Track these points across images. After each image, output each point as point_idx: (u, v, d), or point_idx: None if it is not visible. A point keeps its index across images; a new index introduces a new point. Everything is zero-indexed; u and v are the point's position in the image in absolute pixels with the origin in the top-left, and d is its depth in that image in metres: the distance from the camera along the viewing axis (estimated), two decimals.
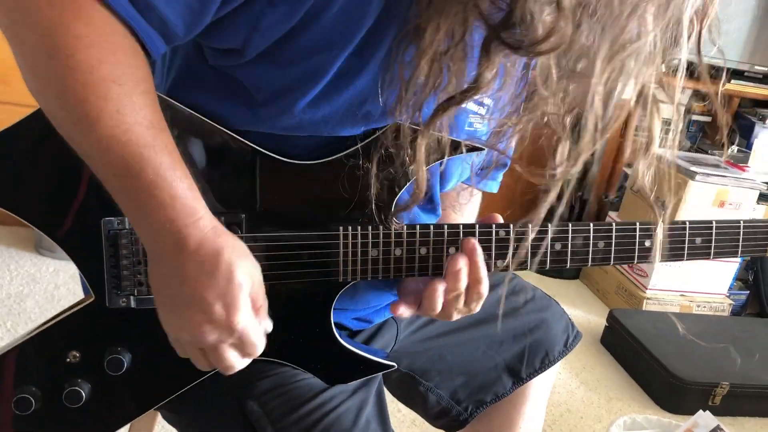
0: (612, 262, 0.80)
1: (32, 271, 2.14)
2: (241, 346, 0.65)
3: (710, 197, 2.47)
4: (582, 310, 2.59)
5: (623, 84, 0.62)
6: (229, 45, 0.68)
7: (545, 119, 0.68)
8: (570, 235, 0.78)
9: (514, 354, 0.99)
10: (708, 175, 2.40)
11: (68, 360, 0.75)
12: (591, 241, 0.78)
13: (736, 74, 2.84)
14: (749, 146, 2.94)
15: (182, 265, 0.61)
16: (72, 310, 0.76)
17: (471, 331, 0.99)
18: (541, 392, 1.03)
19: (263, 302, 0.66)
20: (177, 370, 0.77)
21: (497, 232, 0.76)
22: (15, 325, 1.86)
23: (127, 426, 1.14)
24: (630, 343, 2.19)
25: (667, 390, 2.03)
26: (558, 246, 0.78)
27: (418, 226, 0.75)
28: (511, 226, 0.76)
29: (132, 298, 0.74)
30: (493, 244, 0.76)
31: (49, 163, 0.72)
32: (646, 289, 2.52)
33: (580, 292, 2.77)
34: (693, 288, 2.57)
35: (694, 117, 3.12)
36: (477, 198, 0.99)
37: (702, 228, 0.81)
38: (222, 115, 0.72)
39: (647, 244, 0.79)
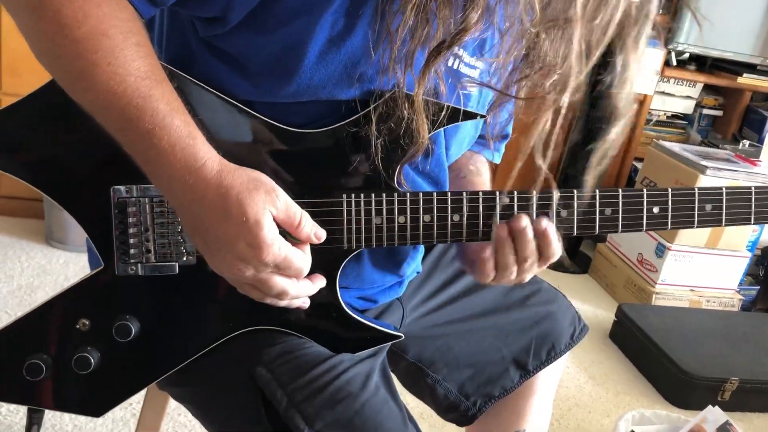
0: (620, 229, 0.78)
1: (43, 263, 2.16)
2: (284, 272, 0.67)
3: None
4: (591, 305, 2.58)
5: (609, 6, 0.65)
6: (211, 13, 0.69)
7: (542, 63, 0.70)
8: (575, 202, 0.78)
9: (521, 346, 0.99)
10: (719, 169, 2.38)
11: (78, 327, 0.77)
12: (597, 208, 0.77)
13: (748, 68, 2.82)
14: (761, 140, 2.92)
15: (199, 212, 0.64)
16: (82, 279, 0.77)
17: (478, 321, 0.99)
18: (548, 386, 1.03)
19: (300, 218, 0.67)
20: (185, 338, 0.78)
21: (501, 199, 0.76)
22: None
23: (137, 414, 1.15)
24: (639, 338, 2.19)
25: (676, 385, 2.02)
26: (564, 213, 0.78)
27: (420, 193, 0.75)
28: (515, 193, 0.76)
29: (140, 265, 0.76)
30: (497, 211, 0.76)
31: (59, 133, 0.74)
32: (656, 283, 2.51)
33: (588, 286, 2.76)
34: (703, 283, 2.56)
35: (705, 111, 3.11)
36: (486, 166, 0.99)
37: (712, 195, 0.79)
38: (223, 86, 0.73)
39: (656, 210, 0.78)
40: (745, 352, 2.16)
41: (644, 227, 0.79)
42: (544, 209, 0.77)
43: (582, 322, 1.03)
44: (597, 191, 0.77)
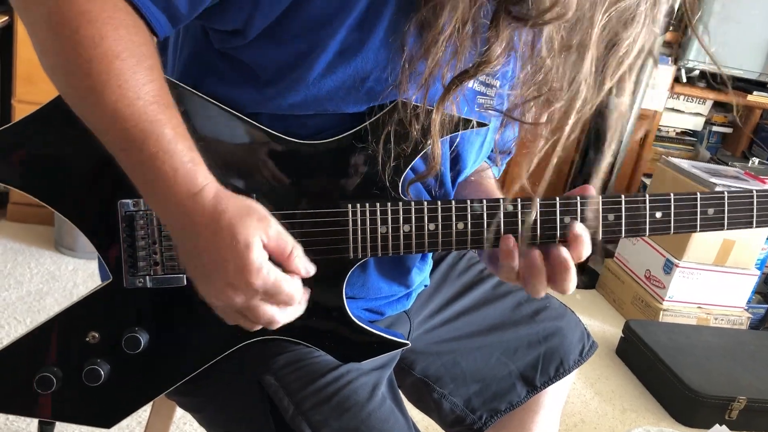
0: (623, 234, 0.78)
1: (52, 269, 2.17)
2: (274, 298, 0.66)
3: None
4: (598, 320, 2.58)
5: (621, 44, 0.67)
6: (231, 26, 0.70)
7: (549, 87, 0.71)
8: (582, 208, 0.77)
9: (529, 362, 0.98)
10: (728, 186, 2.38)
11: (87, 340, 0.77)
12: (600, 214, 0.77)
13: (758, 85, 2.82)
14: None
15: (194, 236, 0.64)
16: (91, 292, 0.78)
17: (485, 337, 0.99)
18: (555, 401, 1.03)
19: (291, 250, 0.66)
20: (194, 349, 0.79)
21: (505, 207, 0.76)
22: (34, 321, 1.87)
23: (144, 423, 1.15)
24: (646, 355, 2.18)
25: (683, 403, 2.01)
26: (567, 219, 0.77)
27: (425, 202, 0.76)
28: (519, 200, 0.76)
29: (148, 278, 0.76)
30: (501, 219, 0.76)
31: (67, 148, 0.75)
32: (663, 300, 2.50)
33: (596, 302, 2.75)
34: (711, 300, 2.55)
35: (714, 128, 3.10)
36: (490, 172, 0.99)
37: (714, 199, 0.79)
38: (231, 99, 0.74)
39: (658, 215, 0.78)
40: (753, 371, 2.14)
41: (647, 232, 0.79)
42: (547, 215, 0.77)
43: (591, 338, 1.03)
44: (600, 198, 0.77)
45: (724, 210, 0.79)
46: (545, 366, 0.98)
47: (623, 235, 0.78)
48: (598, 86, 0.68)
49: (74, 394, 0.78)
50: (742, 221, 0.80)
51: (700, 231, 0.80)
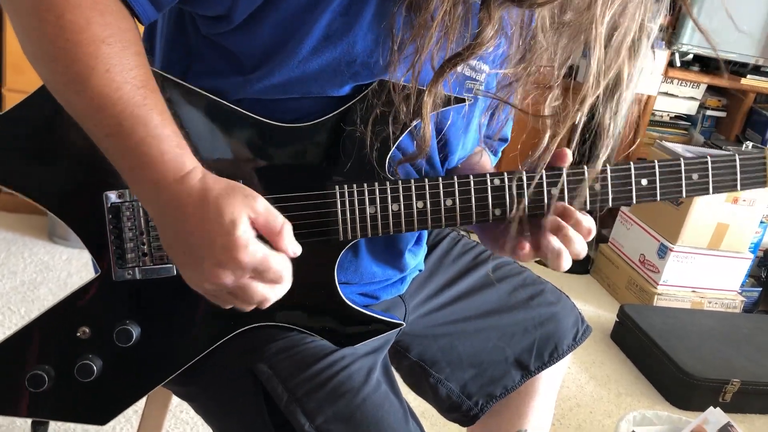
0: (611, 203, 0.79)
1: (45, 259, 2.16)
2: (262, 276, 0.65)
3: (723, 194, 2.45)
4: (592, 305, 2.58)
5: (622, 27, 0.66)
6: (216, 11, 0.69)
7: (542, 70, 0.71)
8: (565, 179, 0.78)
9: (524, 347, 0.99)
10: None
11: (78, 335, 0.77)
12: (586, 184, 0.78)
13: (753, 70, 2.81)
14: (764, 142, 2.92)
15: (182, 218, 0.63)
16: (80, 287, 0.77)
17: (482, 321, 0.99)
18: (550, 386, 1.03)
19: (281, 227, 0.66)
20: (187, 340, 0.78)
21: (492, 180, 0.77)
22: (29, 312, 1.87)
23: (140, 414, 1.15)
24: (640, 339, 2.19)
25: (678, 386, 2.02)
26: (555, 192, 0.78)
27: (412, 180, 0.76)
28: (505, 174, 0.77)
29: (137, 269, 0.76)
30: (489, 194, 0.77)
31: (50, 141, 0.74)
32: (657, 284, 2.51)
33: (590, 286, 2.76)
34: (704, 284, 2.56)
35: (708, 112, 3.10)
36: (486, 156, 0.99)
37: (697, 164, 0.80)
38: (215, 87, 0.73)
39: (644, 183, 0.79)
40: (747, 353, 2.16)
41: (634, 199, 0.80)
42: (537, 188, 0.77)
43: (585, 323, 1.03)
44: (585, 168, 0.78)
45: (708, 174, 0.80)
46: (540, 351, 0.98)
47: (610, 204, 0.79)
48: (604, 74, 0.67)
49: (67, 391, 0.77)
50: (726, 185, 0.81)
51: (686, 196, 0.81)
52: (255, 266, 0.64)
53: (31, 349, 0.76)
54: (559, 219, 0.76)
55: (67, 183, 0.75)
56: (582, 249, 0.76)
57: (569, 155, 0.77)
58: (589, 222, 0.77)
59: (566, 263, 0.75)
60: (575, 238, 0.75)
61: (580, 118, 0.69)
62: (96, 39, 0.60)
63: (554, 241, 0.75)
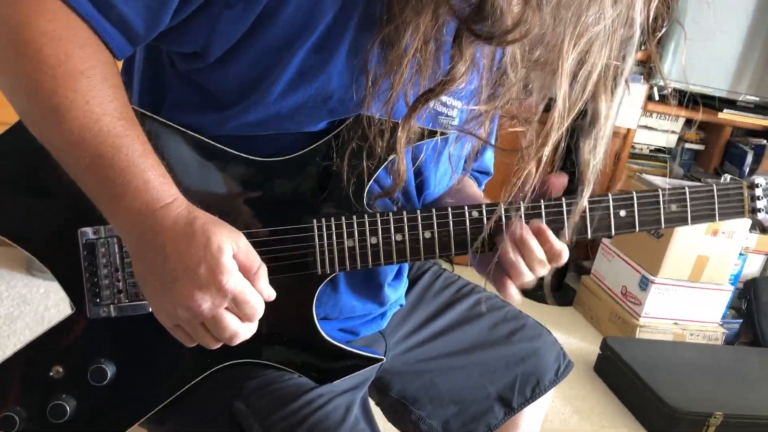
0: (589, 235, 0.79)
1: (23, 292, 2.12)
2: (239, 308, 0.64)
3: (703, 226, 2.47)
4: (575, 338, 2.58)
5: (588, 64, 0.67)
6: (191, 48, 0.69)
7: (512, 105, 0.72)
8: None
9: (506, 383, 0.98)
10: None
11: (51, 375, 0.75)
12: (564, 216, 0.78)
13: (728, 103, 2.87)
14: (742, 174, 2.96)
15: (162, 244, 0.62)
16: (53, 326, 0.76)
17: (463, 357, 0.99)
18: (533, 422, 1.02)
19: (258, 268, 0.66)
20: (163, 378, 0.77)
21: (470, 213, 0.77)
22: (4, 347, 1.84)
23: None
24: (624, 372, 2.18)
25: (661, 419, 2.01)
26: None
27: (391, 214, 0.76)
28: (483, 206, 0.78)
29: (112, 306, 0.75)
30: (467, 226, 0.77)
31: (21, 178, 0.73)
32: (640, 316, 2.51)
33: (573, 319, 2.76)
34: (686, 316, 2.57)
35: (687, 145, 3.15)
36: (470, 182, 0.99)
37: (677, 194, 0.80)
38: (190, 124, 0.73)
39: (622, 214, 0.79)
40: (730, 386, 2.16)
41: (612, 231, 0.79)
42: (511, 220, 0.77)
43: (567, 358, 1.03)
44: (563, 199, 0.78)
45: (686, 205, 0.80)
46: (522, 387, 0.98)
47: (589, 235, 0.79)
48: (568, 111, 0.68)
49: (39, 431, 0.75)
50: (705, 215, 0.81)
51: (665, 227, 0.81)
52: (236, 295, 0.63)
53: (2, 390, 0.75)
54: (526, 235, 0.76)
55: (41, 220, 0.74)
56: (539, 268, 0.76)
57: (565, 183, 0.78)
58: (560, 246, 0.77)
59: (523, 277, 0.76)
60: (537, 251, 0.76)
61: (545, 153, 0.69)
62: (75, 71, 0.60)
63: (512, 253, 0.75)
